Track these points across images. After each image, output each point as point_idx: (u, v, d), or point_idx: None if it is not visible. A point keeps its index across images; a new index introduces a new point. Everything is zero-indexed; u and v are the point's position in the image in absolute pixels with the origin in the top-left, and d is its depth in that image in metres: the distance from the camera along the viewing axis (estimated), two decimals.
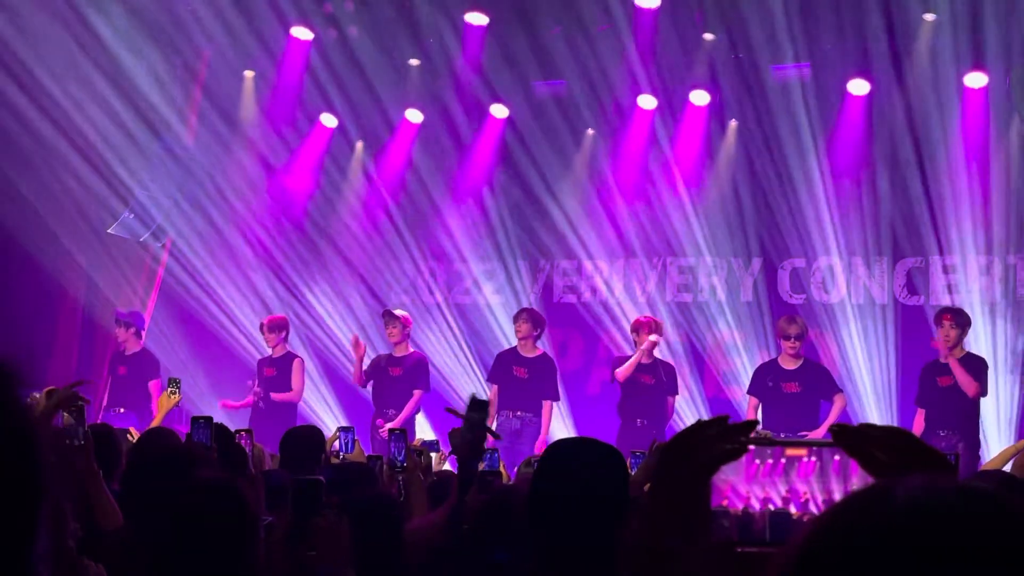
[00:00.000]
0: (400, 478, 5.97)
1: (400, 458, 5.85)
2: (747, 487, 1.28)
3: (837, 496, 1.28)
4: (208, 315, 12.19)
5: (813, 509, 1.28)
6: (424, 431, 10.44)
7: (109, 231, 11.52)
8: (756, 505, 1.27)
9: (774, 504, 1.27)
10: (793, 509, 1.28)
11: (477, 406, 4.34)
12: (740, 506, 1.27)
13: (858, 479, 1.27)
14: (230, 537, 3.09)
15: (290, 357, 10.85)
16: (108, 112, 11.01)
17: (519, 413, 10.10)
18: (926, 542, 0.94)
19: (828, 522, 0.97)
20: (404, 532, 4.49)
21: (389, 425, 9.83)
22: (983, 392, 8.95)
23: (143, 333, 11.10)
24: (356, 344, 10.62)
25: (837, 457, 1.28)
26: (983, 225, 10.42)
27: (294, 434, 6.27)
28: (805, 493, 1.28)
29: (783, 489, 1.27)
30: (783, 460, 1.28)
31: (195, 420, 4.87)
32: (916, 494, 0.97)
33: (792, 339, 9.57)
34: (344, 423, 9.88)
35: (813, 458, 1.28)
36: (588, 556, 2.83)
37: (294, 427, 6.61)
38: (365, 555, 3.44)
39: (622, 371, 9.93)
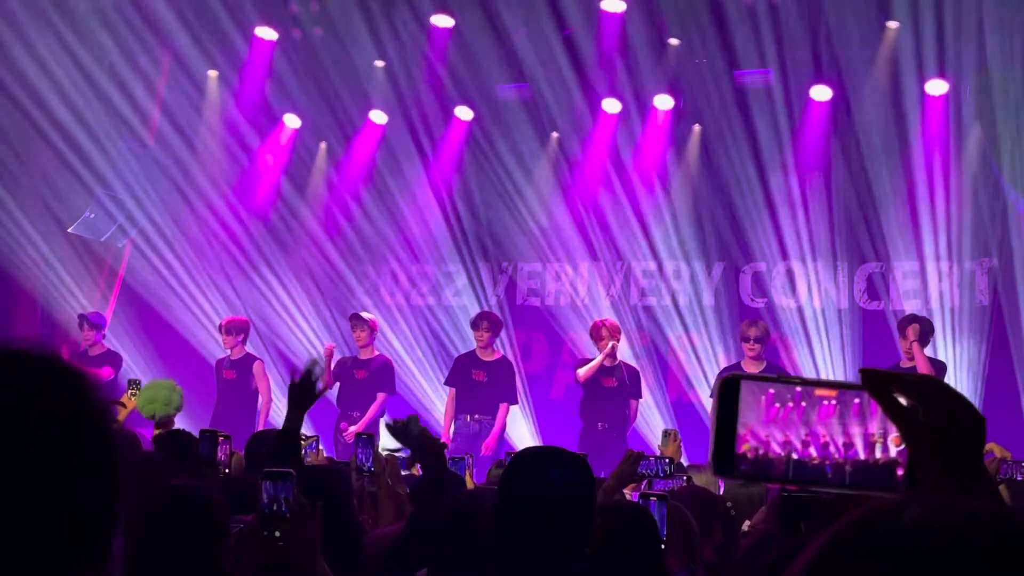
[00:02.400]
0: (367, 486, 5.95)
1: (368, 463, 5.82)
2: (766, 430, 1.29)
3: (857, 440, 1.28)
4: (170, 315, 12.11)
5: (833, 452, 1.28)
6: (388, 437, 10.41)
7: (70, 230, 11.42)
8: (777, 448, 1.29)
9: (795, 447, 1.28)
10: (813, 452, 1.29)
11: (397, 433, 4.41)
12: (761, 449, 1.29)
13: (877, 423, 1.27)
14: (198, 543, 3.08)
15: (250, 360, 10.76)
16: (70, 110, 10.92)
17: (477, 416, 10.09)
18: (930, 566, 0.91)
19: (837, 541, 0.96)
20: (367, 538, 4.51)
21: (353, 429, 9.81)
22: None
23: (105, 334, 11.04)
24: (329, 353, 10.51)
25: (857, 400, 1.28)
26: (943, 231, 10.52)
27: (260, 437, 6.22)
28: (825, 436, 1.29)
29: (803, 432, 1.29)
30: (804, 403, 1.29)
31: (203, 433, 4.86)
32: (923, 515, 0.95)
33: (752, 341, 9.62)
34: (308, 426, 9.82)
35: (834, 401, 1.29)
36: (555, 566, 2.82)
37: (260, 430, 6.57)
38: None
39: (583, 372, 9.95)
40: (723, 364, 10.72)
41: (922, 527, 0.94)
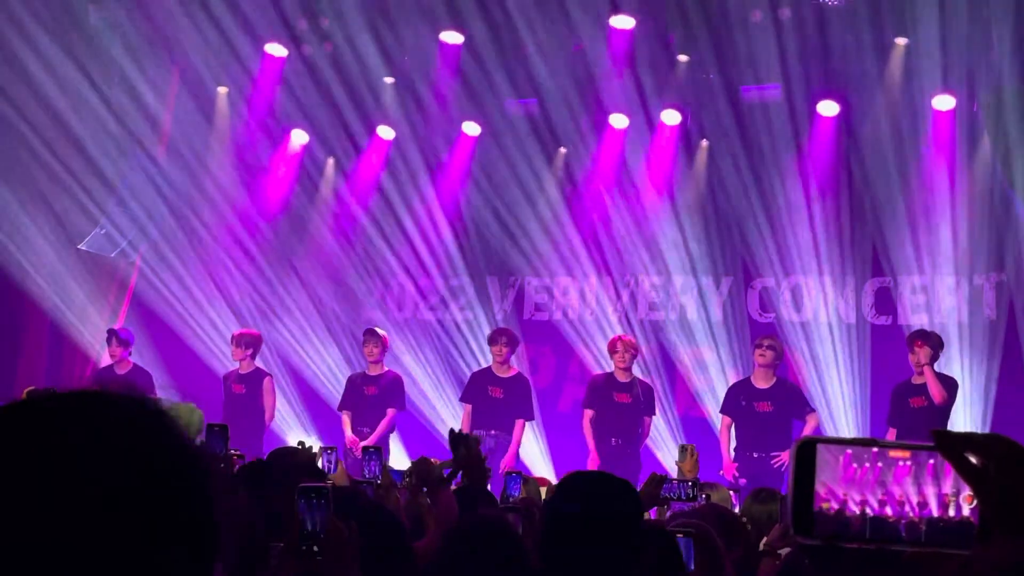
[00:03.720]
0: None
1: (377, 476, 5.85)
2: (845, 490, 1.33)
3: (932, 500, 1.32)
4: (179, 329, 12.14)
5: (908, 512, 1.31)
6: (396, 452, 10.48)
7: (81, 246, 11.45)
8: (854, 508, 1.32)
9: (871, 507, 1.32)
10: (889, 512, 1.32)
11: (456, 443, 4.43)
12: (837, 508, 1.32)
13: (951, 483, 1.30)
14: (241, 568, 3.09)
15: (260, 374, 10.76)
16: (81, 126, 10.97)
17: (493, 432, 10.11)
18: None
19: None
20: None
21: (363, 443, 9.82)
22: (949, 403, 9.06)
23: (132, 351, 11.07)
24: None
25: (932, 461, 1.31)
26: (951, 246, 10.55)
27: (279, 453, 6.23)
28: (900, 496, 1.32)
29: (879, 492, 1.33)
30: (880, 464, 1.32)
31: (210, 428, 4.83)
32: None
33: (764, 347, 9.66)
34: (318, 442, 9.84)
35: (910, 462, 1.33)
36: None
37: (278, 448, 6.57)
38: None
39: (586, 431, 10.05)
40: (731, 379, 10.74)
41: None
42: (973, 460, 1.27)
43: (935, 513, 1.31)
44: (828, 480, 1.32)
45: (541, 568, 2.92)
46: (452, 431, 4.81)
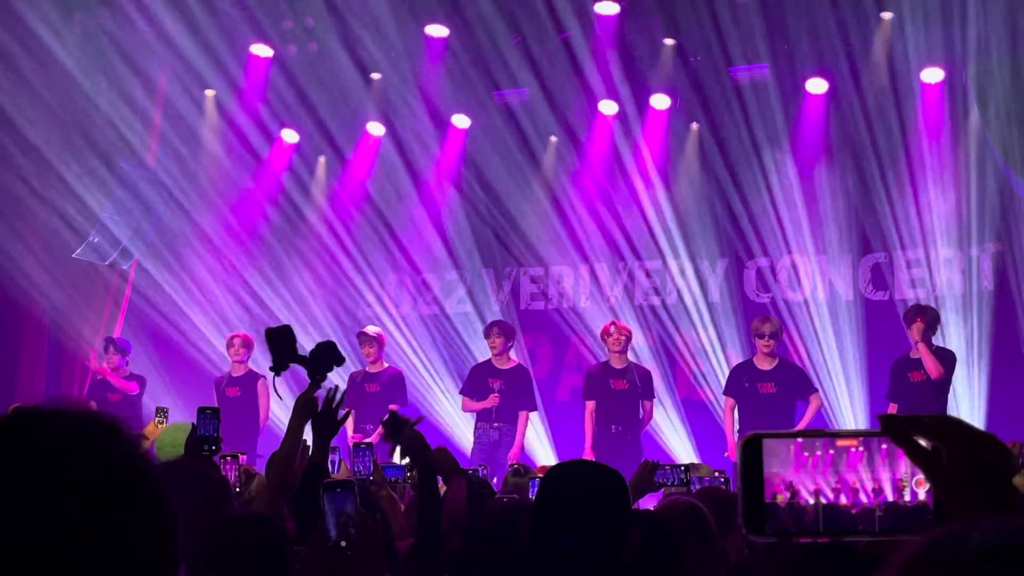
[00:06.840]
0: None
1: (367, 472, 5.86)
2: (797, 479, 1.31)
3: (887, 484, 1.30)
4: (175, 334, 12.13)
5: (863, 499, 1.29)
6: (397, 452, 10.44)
7: (75, 255, 11.44)
8: (807, 497, 1.31)
9: (825, 495, 1.31)
10: (843, 500, 1.30)
11: (392, 429, 4.43)
12: (790, 498, 1.31)
13: (906, 466, 1.29)
14: (265, 571, 3.06)
15: (254, 376, 10.73)
16: (70, 134, 10.96)
17: (496, 424, 10.12)
18: None
19: (906, 570, 0.97)
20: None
21: (367, 440, 9.82)
22: (947, 377, 9.05)
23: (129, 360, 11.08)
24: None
25: (884, 446, 1.30)
26: (945, 219, 10.54)
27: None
28: (855, 483, 1.30)
29: (833, 480, 1.31)
30: (831, 451, 1.30)
31: (201, 411, 4.80)
32: (990, 538, 0.96)
33: (767, 337, 9.61)
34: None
35: (861, 448, 1.31)
36: None
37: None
38: None
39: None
40: (732, 361, 10.74)
41: (989, 549, 0.95)
42: (923, 443, 1.26)
43: (890, 498, 1.30)
44: (780, 470, 1.30)
45: (531, 557, 2.93)
46: (384, 420, 4.82)
